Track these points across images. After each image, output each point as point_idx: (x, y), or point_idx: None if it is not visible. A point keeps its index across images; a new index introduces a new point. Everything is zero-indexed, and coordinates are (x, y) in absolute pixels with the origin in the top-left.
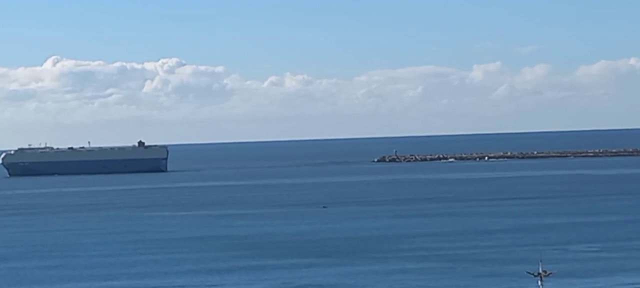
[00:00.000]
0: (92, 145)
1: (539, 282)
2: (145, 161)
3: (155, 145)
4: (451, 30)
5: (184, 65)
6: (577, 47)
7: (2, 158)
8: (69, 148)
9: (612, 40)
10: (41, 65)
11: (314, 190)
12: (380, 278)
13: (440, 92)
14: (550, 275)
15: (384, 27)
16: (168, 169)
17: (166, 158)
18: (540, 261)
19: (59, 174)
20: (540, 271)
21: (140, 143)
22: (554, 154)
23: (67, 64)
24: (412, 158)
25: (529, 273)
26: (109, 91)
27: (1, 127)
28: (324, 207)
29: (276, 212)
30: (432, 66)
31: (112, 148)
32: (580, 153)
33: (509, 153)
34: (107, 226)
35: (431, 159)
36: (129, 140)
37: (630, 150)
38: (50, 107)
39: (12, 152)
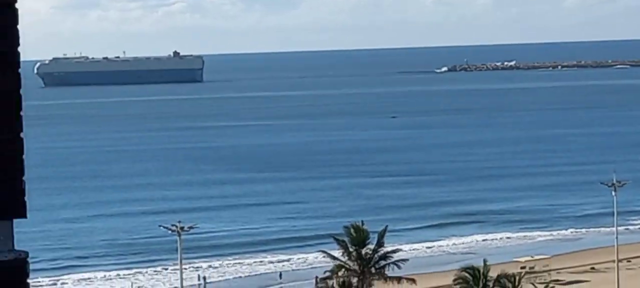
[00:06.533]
0: (128, 55)
1: (613, 192)
2: (180, 72)
3: (191, 55)
4: None
5: None
6: None
7: (37, 68)
8: (104, 58)
9: None
10: None
11: (382, 99)
12: (435, 193)
13: (512, 0)
14: (624, 185)
15: None
16: (204, 80)
17: (202, 69)
18: (614, 171)
19: (94, 84)
20: (614, 181)
21: (176, 53)
22: (629, 63)
23: None
24: (483, 67)
25: (602, 183)
26: None
27: (63, 36)
28: (393, 116)
29: (334, 122)
30: None
31: (147, 58)
32: None
33: (582, 62)
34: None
35: (503, 68)
36: (190, 51)
37: None
38: (113, 16)
39: (47, 62)
